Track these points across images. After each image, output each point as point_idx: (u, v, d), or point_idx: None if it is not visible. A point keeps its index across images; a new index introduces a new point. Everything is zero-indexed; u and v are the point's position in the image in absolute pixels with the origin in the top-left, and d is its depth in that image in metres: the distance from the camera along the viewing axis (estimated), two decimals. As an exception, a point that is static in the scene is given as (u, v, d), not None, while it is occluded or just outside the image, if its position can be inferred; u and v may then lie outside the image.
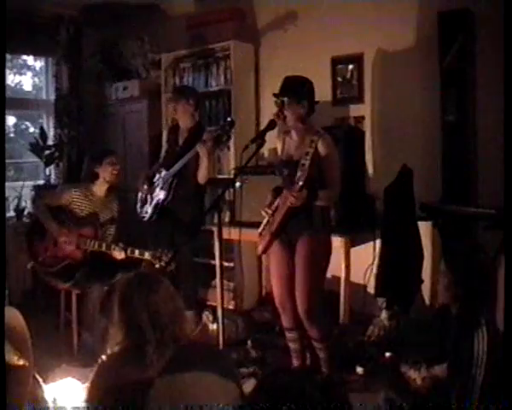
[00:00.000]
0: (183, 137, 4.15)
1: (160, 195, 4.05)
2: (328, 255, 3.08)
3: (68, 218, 3.66)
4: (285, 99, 2.97)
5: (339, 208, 3.47)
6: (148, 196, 4.13)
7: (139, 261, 3.64)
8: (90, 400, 1.70)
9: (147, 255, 3.43)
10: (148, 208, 4.11)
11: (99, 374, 1.72)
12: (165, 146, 4.31)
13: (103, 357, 1.78)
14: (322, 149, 2.91)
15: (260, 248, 3.18)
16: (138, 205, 4.20)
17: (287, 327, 3.21)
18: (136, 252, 3.49)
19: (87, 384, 1.77)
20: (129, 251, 3.49)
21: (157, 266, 3.37)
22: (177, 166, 3.98)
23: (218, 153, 4.63)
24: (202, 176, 3.98)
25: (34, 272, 3.85)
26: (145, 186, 4.16)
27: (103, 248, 3.56)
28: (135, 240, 3.70)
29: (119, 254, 3.51)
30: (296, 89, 3.02)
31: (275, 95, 3.04)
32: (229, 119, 3.91)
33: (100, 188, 3.74)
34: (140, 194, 4.21)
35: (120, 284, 1.80)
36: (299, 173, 2.82)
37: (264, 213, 3.08)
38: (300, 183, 2.80)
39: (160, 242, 3.76)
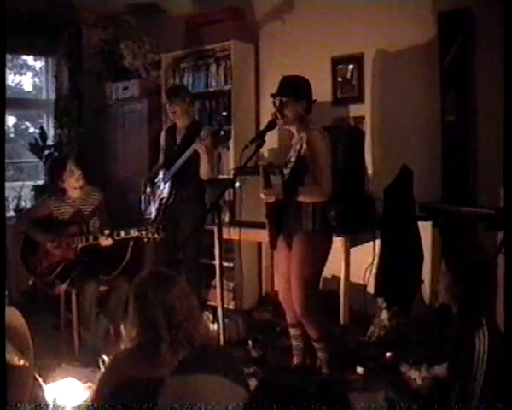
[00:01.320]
0: (181, 135, 4.16)
1: (162, 195, 4.06)
2: (323, 255, 3.07)
3: (54, 224, 3.67)
4: (284, 99, 2.98)
5: (339, 208, 3.47)
6: (151, 198, 4.15)
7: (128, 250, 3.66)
8: (99, 393, 1.70)
9: (133, 232, 3.44)
10: (152, 210, 4.11)
11: (111, 368, 1.72)
12: (163, 147, 4.31)
13: (103, 358, 1.79)
14: (307, 144, 2.92)
15: (268, 244, 3.21)
16: (142, 207, 4.22)
17: (290, 323, 3.24)
18: (122, 233, 3.50)
19: (98, 378, 1.78)
20: (115, 234, 3.50)
21: (146, 239, 3.39)
22: (176, 165, 3.98)
23: (218, 152, 4.64)
24: (204, 172, 3.99)
25: (35, 284, 3.85)
26: (147, 188, 4.17)
27: (91, 240, 3.56)
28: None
29: (106, 241, 3.51)
30: (294, 88, 3.03)
31: (272, 95, 3.05)
32: (224, 113, 3.92)
33: (73, 192, 3.74)
34: (143, 196, 4.21)
35: (135, 282, 1.82)
36: (286, 171, 2.85)
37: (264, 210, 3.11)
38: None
39: (163, 240, 3.76)
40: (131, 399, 1.57)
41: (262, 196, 2.95)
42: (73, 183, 3.69)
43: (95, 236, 3.56)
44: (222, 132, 3.88)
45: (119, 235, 3.50)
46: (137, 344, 1.73)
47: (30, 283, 3.78)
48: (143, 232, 3.37)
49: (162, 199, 4.06)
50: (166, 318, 1.70)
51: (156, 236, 3.35)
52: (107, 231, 3.50)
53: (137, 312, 1.74)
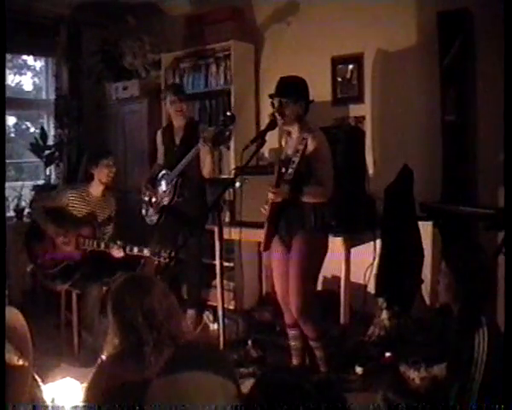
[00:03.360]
0: (179, 135, 4.14)
1: (165, 196, 4.04)
2: (322, 255, 3.08)
3: (66, 219, 3.66)
4: (283, 99, 2.99)
5: (339, 208, 3.47)
6: (153, 198, 4.12)
7: (138, 260, 3.64)
8: (88, 400, 1.70)
9: (145, 252, 3.43)
10: (155, 211, 4.09)
11: (98, 375, 1.72)
12: (161, 148, 4.29)
13: (102, 358, 1.78)
14: (310, 145, 2.92)
15: (262, 245, 3.19)
16: (143, 208, 4.19)
17: (288, 324, 3.23)
18: (135, 249, 3.49)
19: (85, 385, 1.78)
20: (128, 249, 3.49)
21: (156, 262, 3.37)
22: (180, 166, 3.97)
23: (219, 152, 4.64)
24: (207, 171, 4.01)
25: (34, 273, 3.84)
26: (149, 189, 4.16)
27: (102, 247, 3.55)
28: (139, 240, 3.67)
29: (117, 253, 3.51)
30: (294, 89, 3.03)
31: (270, 95, 3.06)
32: (228, 113, 3.91)
33: (96, 188, 3.75)
34: (144, 196, 4.19)
35: (112, 290, 1.81)
36: (289, 170, 2.86)
37: (263, 211, 3.10)
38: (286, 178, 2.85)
39: (165, 241, 3.76)
40: (119, 403, 1.57)
41: (271, 195, 2.91)
42: (104, 174, 3.71)
43: (106, 244, 3.56)
44: (227, 133, 3.88)
45: (131, 250, 3.49)
46: (121, 350, 1.73)
47: (28, 269, 3.77)
48: (156, 256, 3.34)
49: (165, 200, 4.04)
50: (147, 321, 1.69)
51: (168, 263, 3.30)
52: (120, 243, 3.50)
53: (117, 320, 1.74)
